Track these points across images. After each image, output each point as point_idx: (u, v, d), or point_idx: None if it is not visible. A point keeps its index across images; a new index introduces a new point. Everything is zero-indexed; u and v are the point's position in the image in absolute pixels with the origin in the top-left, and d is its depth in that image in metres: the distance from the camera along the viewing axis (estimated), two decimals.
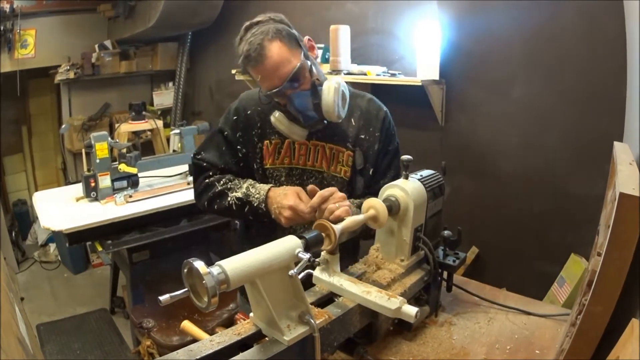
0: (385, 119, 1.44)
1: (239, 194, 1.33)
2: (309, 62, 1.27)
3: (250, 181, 1.37)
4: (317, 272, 1.05)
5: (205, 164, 1.42)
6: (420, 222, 1.14)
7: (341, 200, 1.15)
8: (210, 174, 1.41)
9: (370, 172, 1.42)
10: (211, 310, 0.73)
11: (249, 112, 1.40)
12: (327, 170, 1.39)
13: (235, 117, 1.41)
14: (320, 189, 1.25)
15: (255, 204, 1.29)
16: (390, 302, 0.94)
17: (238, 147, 1.41)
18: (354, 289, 0.99)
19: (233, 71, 3.12)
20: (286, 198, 1.23)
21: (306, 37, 1.33)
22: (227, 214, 1.43)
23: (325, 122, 1.33)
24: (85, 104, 4.29)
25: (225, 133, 1.41)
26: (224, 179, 1.38)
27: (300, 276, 0.86)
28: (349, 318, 0.97)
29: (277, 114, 1.33)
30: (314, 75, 1.28)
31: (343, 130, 1.39)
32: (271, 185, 1.33)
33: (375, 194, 1.19)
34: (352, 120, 1.40)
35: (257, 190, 1.31)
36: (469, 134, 2.26)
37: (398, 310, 0.93)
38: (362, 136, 1.40)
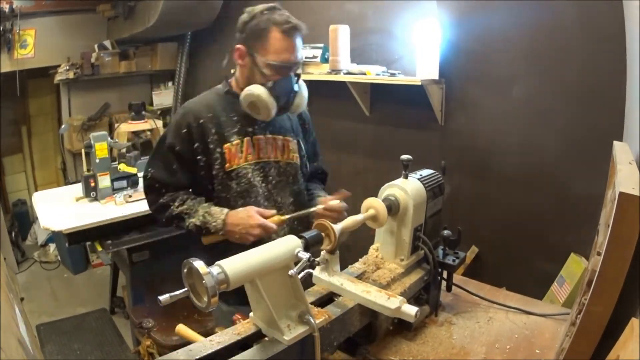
0: (308, 115, 1.67)
1: (196, 221, 1.41)
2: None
3: (204, 206, 1.43)
4: (317, 272, 1.05)
5: (157, 185, 1.46)
6: (420, 222, 1.14)
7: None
8: (163, 191, 1.46)
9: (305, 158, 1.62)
10: (211, 310, 0.73)
11: (201, 120, 1.43)
12: (282, 159, 1.52)
13: (185, 130, 1.43)
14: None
15: (212, 230, 1.40)
16: (390, 301, 0.94)
17: (198, 157, 1.43)
18: (353, 289, 0.99)
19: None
20: (252, 219, 1.35)
21: None
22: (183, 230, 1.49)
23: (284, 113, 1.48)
24: (84, 104, 4.29)
25: (177, 148, 1.43)
26: (178, 200, 1.44)
27: (300, 276, 0.86)
28: (349, 318, 0.97)
29: (256, 87, 1.38)
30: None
31: (285, 123, 1.56)
32: (226, 210, 1.41)
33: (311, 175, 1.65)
34: (290, 115, 1.57)
35: (213, 218, 1.39)
36: (469, 134, 2.26)
37: (398, 310, 0.93)
38: (300, 129, 1.62)
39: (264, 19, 1.38)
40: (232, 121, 1.47)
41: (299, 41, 1.42)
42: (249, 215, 1.36)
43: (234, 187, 1.45)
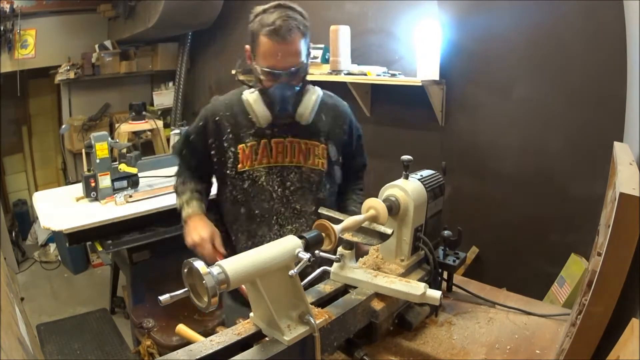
0: (348, 112, 1.59)
1: (179, 203, 1.54)
2: (308, 65, 1.40)
3: (188, 195, 1.52)
4: (334, 269, 1.07)
5: (178, 167, 1.63)
6: (421, 222, 1.14)
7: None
8: (179, 171, 1.61)
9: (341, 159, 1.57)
10: (211, 310, 0.73)
11: (217, 118, 1.46)
12: (305, 164, 1.47)
13: (201, 124, 1.48)
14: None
15: (182, 216, 1.51)
16: (414, 288, 0.97)
17: (212, 152, 1.47)
18: (377, 281, 1.02)
19: (233, 71, 3.12)
20: (204, 230, 1.42)
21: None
22: None
23: (294, 120, 1.42)
24: (85, 104, 4.29)
25: (191, 138, 1.52)
26: (179, 180, 1.58)
27: (315, 274, 0.87)
28: (349, 318, 0.97)
29: (252, 92, 1.39)
30: (304, 76, 1.41)
31: (315, 127, 1.48)
32: (191, 211, 1.49)
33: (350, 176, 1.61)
34: (322, 116, 1.49)
35: (185, 211, 1.50)
36: (469, 134, 2.26)
37: (423, 295, 0.96)
38: (335, 130, 1.53)
39: (257, 21, 1.32)
40: (250, 122, 1.43)
41: (292, 44, 1.31)
42: (202, 238, 1.41)
43: (246, 188, 1.45)
